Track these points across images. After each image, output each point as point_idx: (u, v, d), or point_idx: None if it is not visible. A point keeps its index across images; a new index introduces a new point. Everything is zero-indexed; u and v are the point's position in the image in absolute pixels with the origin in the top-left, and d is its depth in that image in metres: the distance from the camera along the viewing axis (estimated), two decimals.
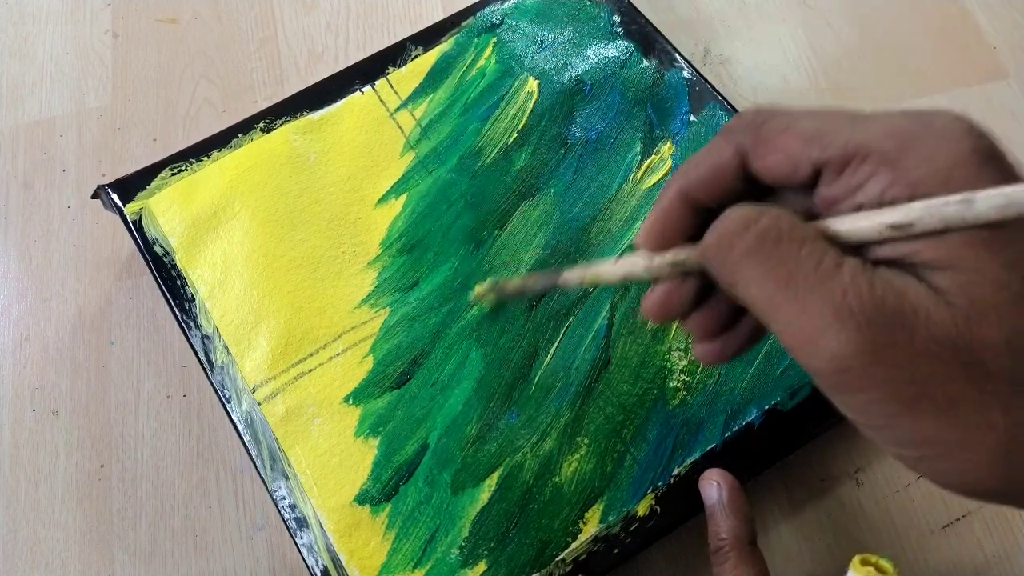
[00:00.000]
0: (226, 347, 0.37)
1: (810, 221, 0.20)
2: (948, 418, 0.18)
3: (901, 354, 0.18)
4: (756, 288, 0.20)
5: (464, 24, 0.45)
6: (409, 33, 0.45)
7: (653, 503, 0.34)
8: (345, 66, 0.44)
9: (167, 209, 0.40)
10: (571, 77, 0.43)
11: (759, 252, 0.20)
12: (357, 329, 0.38)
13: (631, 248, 0.39)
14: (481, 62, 0.44)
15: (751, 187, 0.22)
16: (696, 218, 0.23)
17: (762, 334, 0.25)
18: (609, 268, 0.26)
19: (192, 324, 0.38)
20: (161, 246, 0.39)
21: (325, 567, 0.33)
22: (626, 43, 0.44)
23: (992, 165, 0.18)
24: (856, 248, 0.20)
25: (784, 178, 0.21)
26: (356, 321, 0.38)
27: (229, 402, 0.36)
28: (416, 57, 0.44)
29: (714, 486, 0.33)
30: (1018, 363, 0.18)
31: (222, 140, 0.42)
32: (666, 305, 0.24)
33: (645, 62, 0.44)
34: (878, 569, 0.29)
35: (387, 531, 0.34)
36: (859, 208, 0.20)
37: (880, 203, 0.19)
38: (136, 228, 0.40)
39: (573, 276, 0.28)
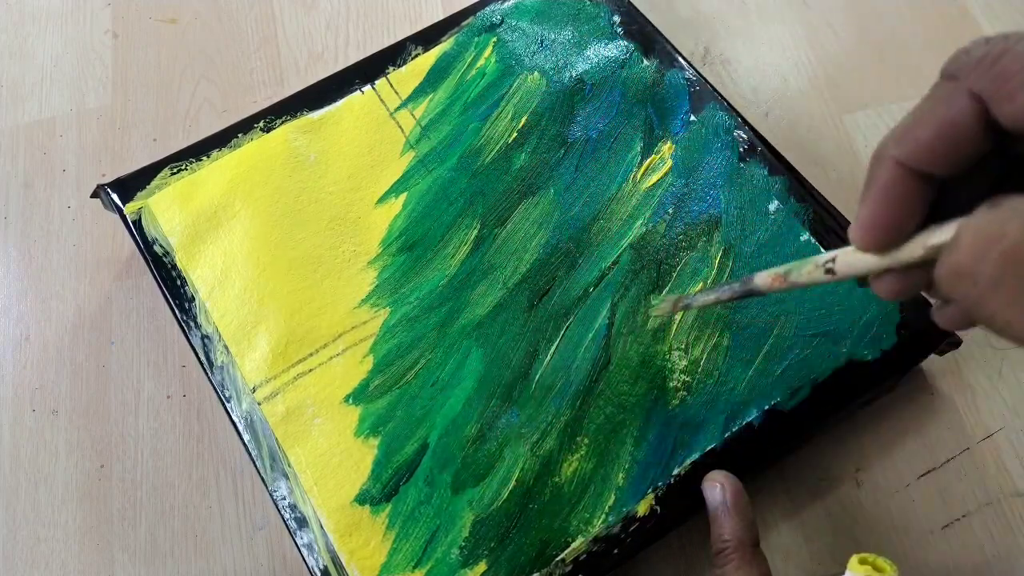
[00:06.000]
0: (226, 347, 0.37)
1: None
2: None
3: None
4: (1015, 323, 0.16)
5: (464, 24, 0.45)
6: (409, 33, 0.45)
7: (653, 503, 0.34)
8: (345, 66, 0.44)
9: (167, 209, 0.40)
10: (571, 77, 0.43)
11: (1010, 281, 0.15)
12: (357, 329, 0.38)
13: (631, 248, 0.39)
14: (481, 62, 0.44)
15: (995, 142, 0.18)
16: (929, 193, 0.18)
17: None
18: (818, 273, 0.22)
19: (192, 324, 0.38)
20: (161, 246, 0.39)
21: (325, 567, 0.33)
22: (626, 43, 0.44)
23: None
24: None
25: None
26: (356, 321, 0.38)
27: (229, 402, 0.36)
28: (416, 57, 0.44)
29: (717, 488, 0.32)
30: None
31: (222, 140, 0.42)
32: (909, 288, 0.20)
33: (645, 62, 0.44)
34: (875, 568, 0.29)
35: (387, 531, 0.34)
36: None
37: None
38: (136, 228, 0.40)
39: (769, 281, 0.24)
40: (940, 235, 0.18)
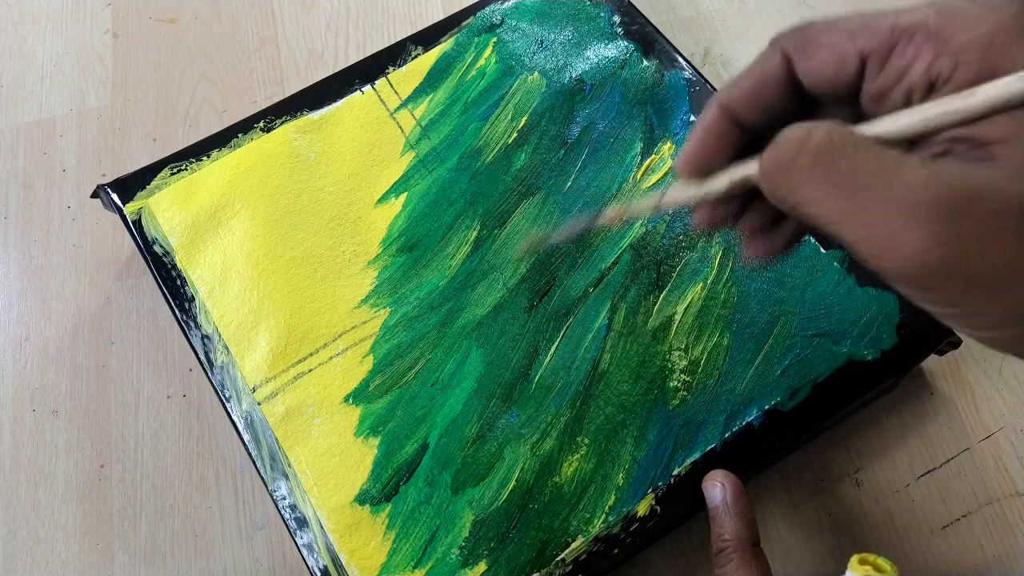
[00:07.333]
0: (226, 347, 0.37)
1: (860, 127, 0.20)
2: None
3: (978, 239, 0.18)
4: (822, 205, 0.20)
5: (464, 24, 0.45)
6: (409, 33, 0.45)
7: (653, 503, 0.34)
8: (345, 66, 0.44)
9: (167, 209, 0.40)
10: (571, 77, 0.43)
11: (818, 168, 0.19)
12: (357, 329, 0.38)
13: (631, 248, 0.39)
14: (481, 62, 0.44)
15: (797, 104, 0.22)
16: (739, 138, 0.23)
17: (805, 229, 0.25)
18: (651, 203, 0.26)
19: (192, 324, 0.38)
20: (161, 246, 0.39)
21: (325, 567, 0.33)
22: (626, 43, 0.44)
23: None
24: (912, 144, 0.20)
25: (831, 78, 0.21)
26: (356, 321, 0.38)
27: (229, 402, 0.36)
28: (416, 57, 0.44)
29: (718, 487, 0.32)
30: None
31: (222, 140, 0.42)
32: (716, 220, 0.25)
33: (645, 62, 0.44)
34: (876, 568, 0.29)
35: (387, 531, 0.34)
36: (909, 95, 0.20)
37: (927, 82, 0.19)
38: (136, 228, 0.40)
39: (611, 214, 0.28)
40: (742, 170, 0.22)
